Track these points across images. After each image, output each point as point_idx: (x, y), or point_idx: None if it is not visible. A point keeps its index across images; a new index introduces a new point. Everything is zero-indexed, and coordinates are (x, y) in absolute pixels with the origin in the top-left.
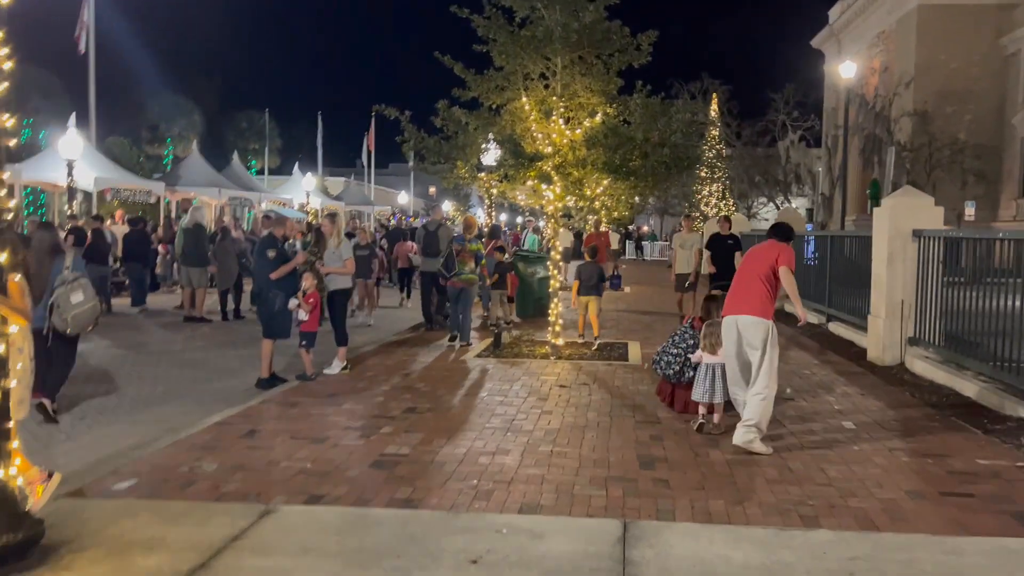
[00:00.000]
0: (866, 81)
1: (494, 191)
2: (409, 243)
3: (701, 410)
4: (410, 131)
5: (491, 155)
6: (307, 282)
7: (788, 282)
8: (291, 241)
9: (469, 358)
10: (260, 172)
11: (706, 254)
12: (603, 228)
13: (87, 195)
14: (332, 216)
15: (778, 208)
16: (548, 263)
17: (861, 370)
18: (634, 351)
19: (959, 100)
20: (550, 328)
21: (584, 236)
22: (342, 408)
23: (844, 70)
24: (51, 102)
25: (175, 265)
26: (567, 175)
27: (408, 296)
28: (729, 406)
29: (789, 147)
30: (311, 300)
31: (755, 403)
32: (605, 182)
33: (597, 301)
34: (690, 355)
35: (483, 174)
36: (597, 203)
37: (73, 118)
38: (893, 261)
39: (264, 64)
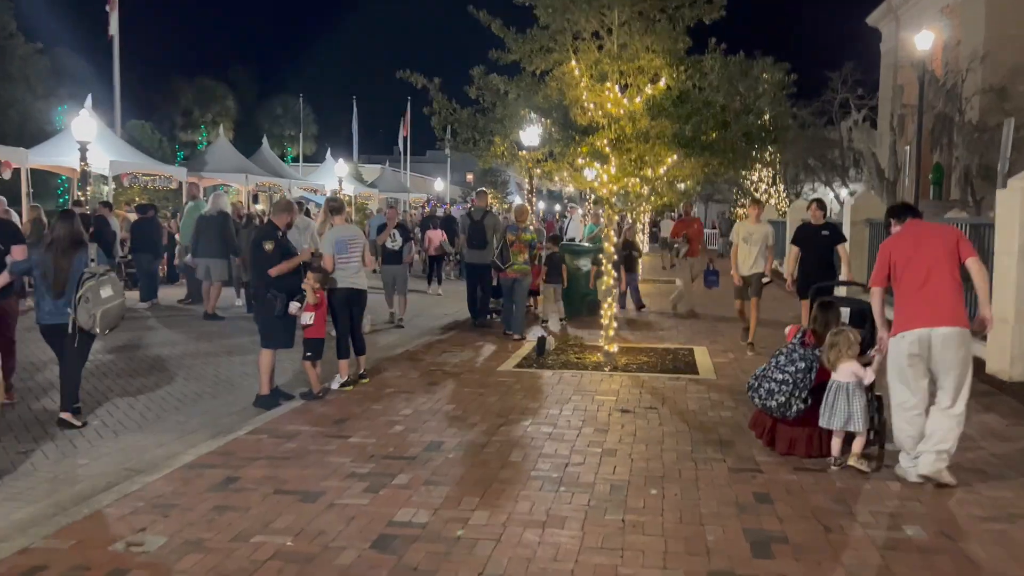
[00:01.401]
0: (933, 58)
1: (537, 172)
2: (438, 230)
3: (835, 444)
4: (439, 101)
5: (533, 132)
6: (310, 280)
7: (982, 278)
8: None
9: (508, 368)
10: (296, 159)
11: (792, 251)
12: (694, 214)
13: (104, 180)
14: (331, 202)
15: (836, 194)
16: (600, 255)
17: (986, 387)
18: (703, 360)
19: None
20: (603, 332)
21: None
22: (349, 442)
23: (920, 40)
24: (86, 88)
25: (187, 256)
26: (626, 151)
27: (439, 283)
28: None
29: (852, 127)
30: (322, 301)
31: (951, 426)
32: (670, 159)
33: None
34: (802, 380)
35: (524, 152)
36: (654, 185)
37: (89, 100)
38: None
39: (302, 49)
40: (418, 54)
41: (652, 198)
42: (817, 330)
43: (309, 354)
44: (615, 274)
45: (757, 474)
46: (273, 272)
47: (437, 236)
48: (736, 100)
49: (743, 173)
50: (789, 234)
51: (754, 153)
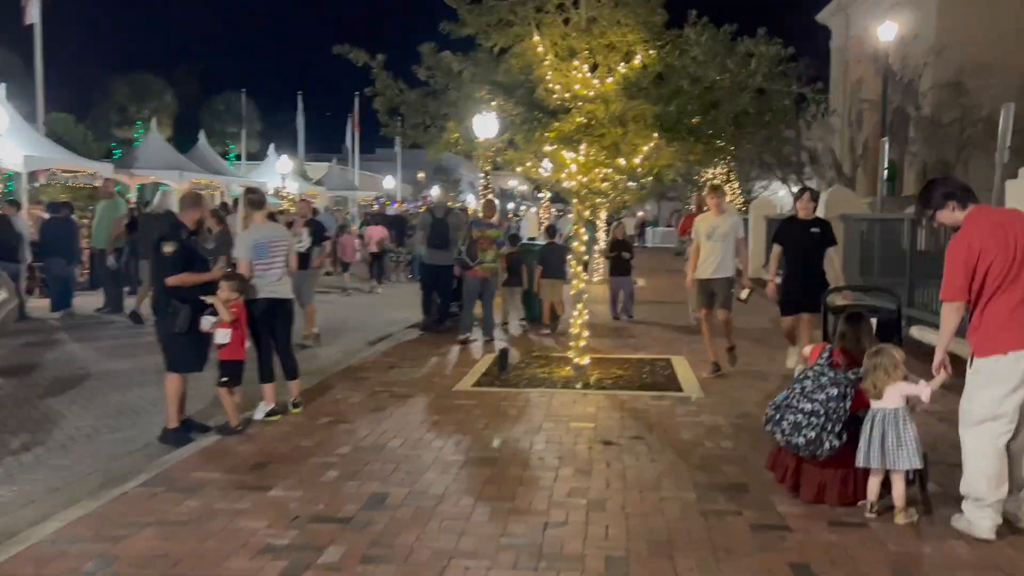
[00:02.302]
0: (887, 53)
1: (499, 161)
2: (379, 227)
3: (872, 486)
4: (382, 80)
5: (492, 119)
6: (224, 292)
7: None
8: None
9: (467, 387)
10: (239, 157)
11: (774, 251)
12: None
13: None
14: (250, 194)
15: (792, 190)
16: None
17: None
18: (684, 373)
19: (983, 74)
20: (572, 343)
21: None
22: (268, 497)
23: (883, 32)
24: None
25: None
26: (598, 137)
27: (379, 281)
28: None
29: (811, 121)
30: (239, 315)
31: None
32: (646, 147)
33: (563, 285)
34: (835, 411)
35: (481, 139)
36: (630, 175)
37: (3, 90)
38: None
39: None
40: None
41: (621, 194)
42: (847, 348)
43: (224, 379)
44: (585, 276)
45: (786, 533)
46: (172, 281)
47: (377, 232)
48: (726, 77)
49: (697, 169)
50: (751, 236)
51: (745, 138)
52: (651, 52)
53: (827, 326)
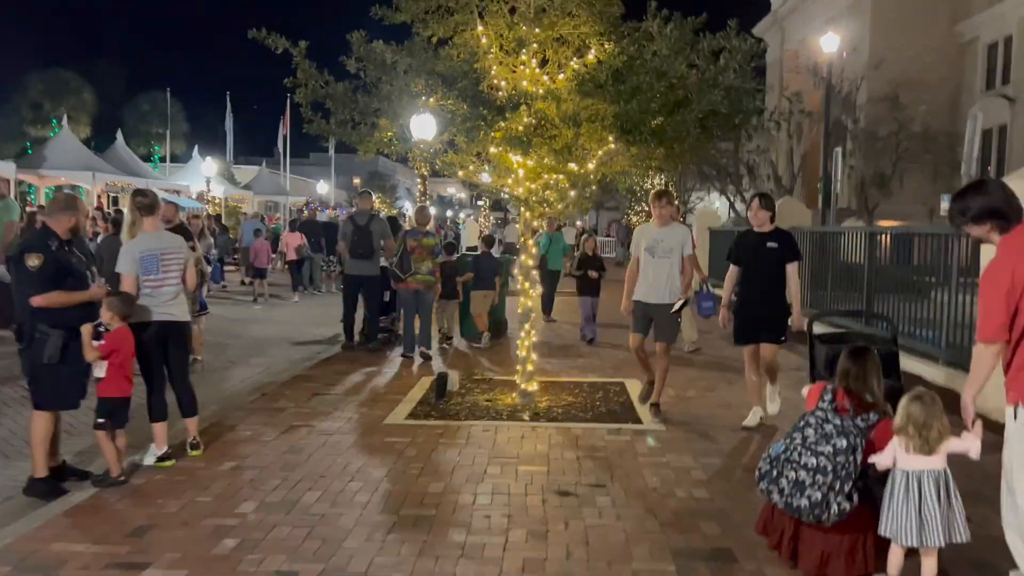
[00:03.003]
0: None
1: (437, 164)
2: (296, 233)
3: (895, 560)
4: (305, 69)
5: (427, 121)
6: (105, 314)
7: None
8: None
9: (399, 420)
10: (163, 159)
11: (730, 272)
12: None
13: None
14: (138, 197)
15: (731, 202)
16: (503, 265)
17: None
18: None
19: (915, 89)
20: (519, 367)
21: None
22: None
23: (826, 43)
24: None
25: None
26: (550, 139)
27: (295, 289)
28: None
29: (753, 133)
30: (112, 344)
31: None
32: (602, 151)
33: (492, 296)
34: (844, 467)
35: (421, 137)
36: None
37: None
38: None
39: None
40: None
41: (571, 203)
42: (854, 388)
43: (101, 420)
44: (533, 293)
45: None
46: (39, 302)
47: (295, 240)
48: (693, 73)
49: (635, 179)
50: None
51: (713, 140)
52: (606, 46)
53: (815, 358)
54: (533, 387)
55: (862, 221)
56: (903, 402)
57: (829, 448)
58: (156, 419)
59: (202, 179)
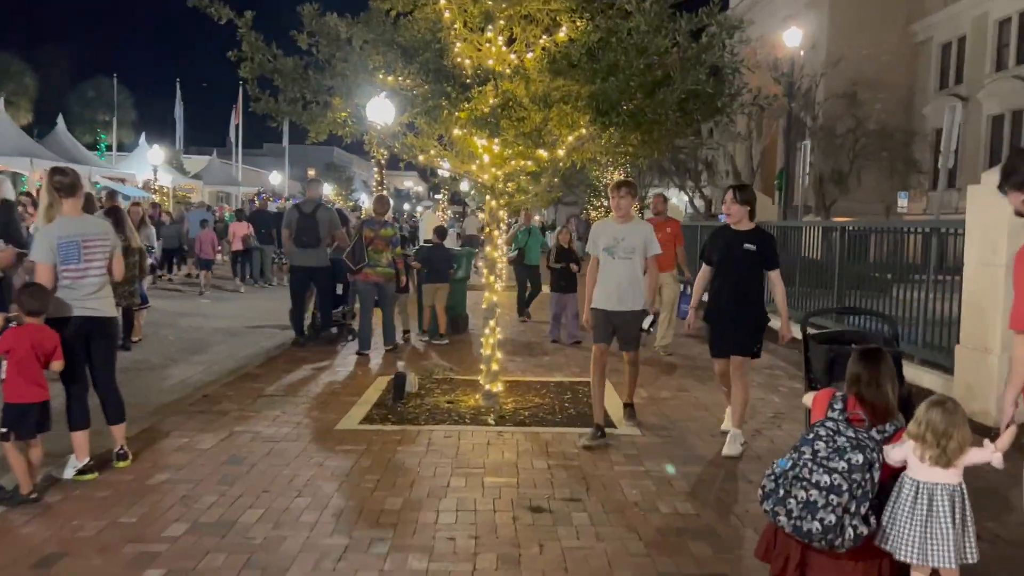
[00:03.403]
0: (783, 64)
1: (396, 148)
2: (243, 223)
3: None
4: (251, 42)
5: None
6: (16, 308)
7: None
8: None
9: (353, 425)
10: (109, 148)
11: (702, 272)
12: (668, 214)
13: None
14: (56, 175)
15: (690, 198)
16: (473, 260)
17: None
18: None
19: (871, 88)
20: (483, 366)
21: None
22: None
23: (789, 37)
24: None
25: None
26: (518, 120)
27: (242, 279)
28: None
29: (713, 128)
30: (6, 342)
31: None
32: (573, 136)
33: (445, 290)
34: (860, 485)
35: (378, 122)
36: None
37: None
38: None
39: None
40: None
41: (537, 193)
42: (867, 396)
43: (3, 430)
44: (498, 287)
45: None
46: None
47: (241, 229)
48: (675, 51)
49: (594, 175)
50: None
51: (694, 124)
52: (578, 23)
53: (809, 362)
54: (498, 388)
55: (820, 218)
56: (922, 407)
57: (843, 464)
58: (76, 427)
59: (149, 167)
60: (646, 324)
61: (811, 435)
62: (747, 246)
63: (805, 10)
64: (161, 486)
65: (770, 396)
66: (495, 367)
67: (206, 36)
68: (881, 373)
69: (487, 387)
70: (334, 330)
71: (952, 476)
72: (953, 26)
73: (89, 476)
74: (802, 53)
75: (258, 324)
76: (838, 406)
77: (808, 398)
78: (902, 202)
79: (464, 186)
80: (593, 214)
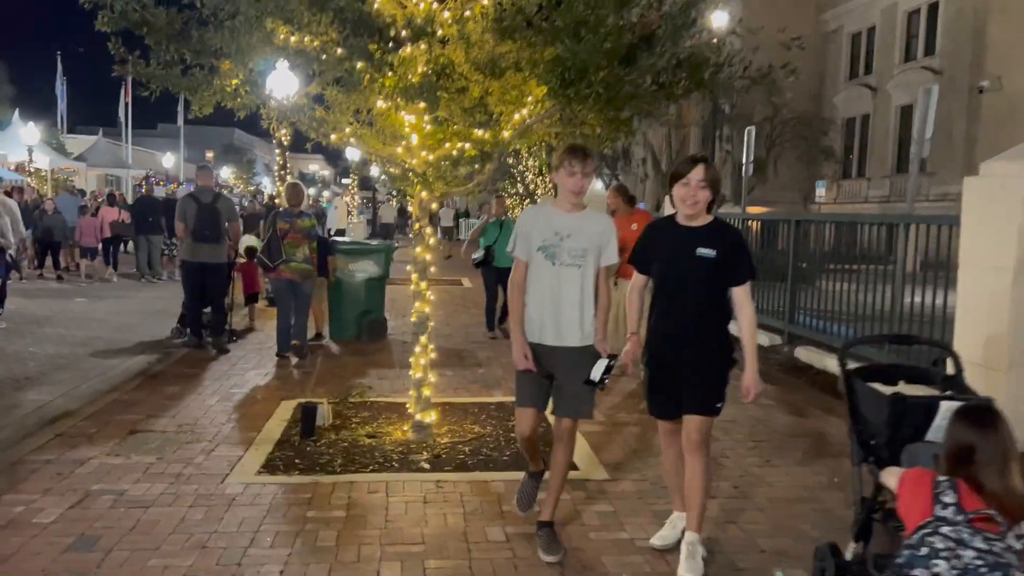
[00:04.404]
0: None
1: (304, 123)
2: (114, 208)
3: None
4: None
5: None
6: None
7: None
8: None
9: (249, 476)
10: None
11: (637, 283)
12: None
13: None
14: None
15: (606, 186)
16: (382, 255)
17: None
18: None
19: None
20: (412, 391)
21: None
22: None
23: (716, 19)
24: None
25: None
26: (458, 92)
27: (115, 267)
28: None
29: (723, 91)
30: None
31: None
32: (522, 112)
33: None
34: None
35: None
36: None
37: None
38: None
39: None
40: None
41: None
42: (987, 483)
43: None
44: (426, 290)
45: None
46: None
47: (110, 215)
48: (652, 14)
49: (510, 160)
50: None
51: (673, 100)
52: None
53: (857, 407)
54: (430, 418)
55: (738, 207)
56: None
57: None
58: None
59: (23, 147)
60: (597, 373)
61: (919, 542)
62: (702, 251)
63: None
64: None
65: (738, 445)
66: (427, 392)
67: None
68: (1007, 448)
69: (418, 416)
70: (228, 338)
71: None
72: (863, 16)
73: None
74: (717, 40)
75: (142, 329)
76: (948, 499)
77: (892, 477)
78: (820, 191)
79: (375, 171)
80: (508, 202)
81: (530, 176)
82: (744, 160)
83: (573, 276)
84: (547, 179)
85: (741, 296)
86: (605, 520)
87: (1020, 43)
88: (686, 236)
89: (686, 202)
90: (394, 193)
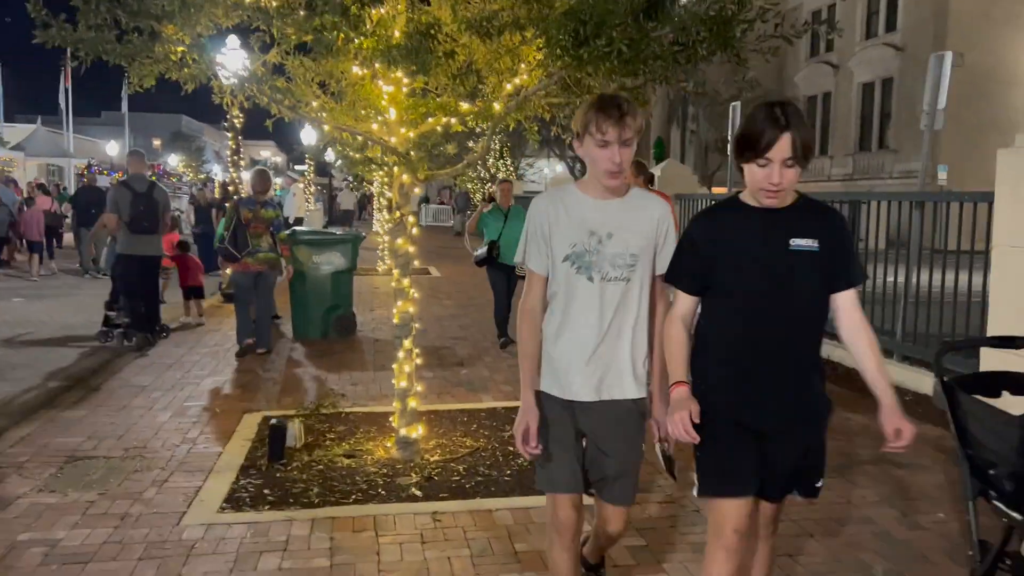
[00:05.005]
0: None
1: (258, 98)
2: (47, 197)
3: None
4: None
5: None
6: None
7: None
8: None
9: (209, 515)
10: None
11: (682, 308)
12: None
13: None
14: None
15: (570, 168)
16: (349, 246)
17: None
18: None
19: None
20: (396, 403)
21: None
22: None
23: None
24: None
25: None
26: (445, 58)
27: (41, 261)
28: None
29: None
30: None
31: None
32: (515, 80)
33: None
34: None
35: (229, 67)
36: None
37: None
38: None
39: None
40: None
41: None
42: None
43: None
44: (410, 287)
45: None
46: None
47: (45, 203)
48: None
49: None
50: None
51: (691, 66)
52: None
53: (965, 426)
54: (417, 433)
55: (704, 188)
56: None
57: None
58: None
59: None
60: (663, 455)
61: None
62: (798, 243)
63: None
64: None
65: None
66: (413, 404)
67: None
68: None
69: (403, 432)
70: (158, 333)
71: None
72: None
73: None
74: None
75: (83, 331)
76: None
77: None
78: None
79: (330, 156)
80: (468, 186)
81: (491, 159)
82: (730, 138)
83: (621, 295)
84: (507, 161)
85: (851, 306)
86: (639, 557)
87: (982, 18)
88: (768, 224)
89: (766, 191)
90: (349, 179)
